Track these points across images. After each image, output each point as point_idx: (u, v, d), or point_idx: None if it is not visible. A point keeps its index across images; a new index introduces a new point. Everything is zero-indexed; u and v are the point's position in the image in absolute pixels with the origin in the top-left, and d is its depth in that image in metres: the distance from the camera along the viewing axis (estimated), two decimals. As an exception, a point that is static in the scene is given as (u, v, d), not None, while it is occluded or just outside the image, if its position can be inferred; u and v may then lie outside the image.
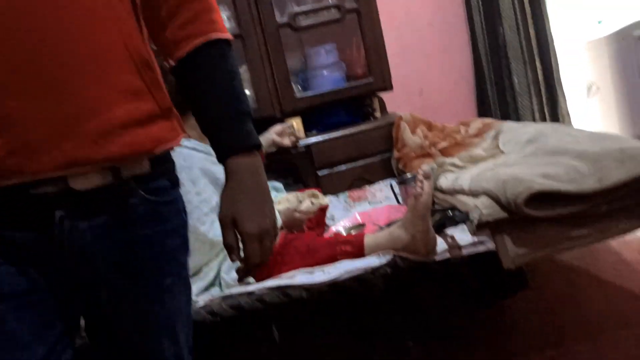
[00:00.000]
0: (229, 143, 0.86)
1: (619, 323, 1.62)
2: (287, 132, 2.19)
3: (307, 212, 1.66)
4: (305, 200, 1.70)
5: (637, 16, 2.97)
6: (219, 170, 1.63)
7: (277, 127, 2.17)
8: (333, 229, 1.87)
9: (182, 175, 1.51)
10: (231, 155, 0.86)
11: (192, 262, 1.53)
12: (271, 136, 2.15)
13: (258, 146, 0.87)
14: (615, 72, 2.96)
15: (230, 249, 0.87)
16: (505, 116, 2.93)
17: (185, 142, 1.61)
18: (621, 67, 2.94)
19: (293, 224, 1.66)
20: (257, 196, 0.86)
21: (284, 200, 1.74)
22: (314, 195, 1.74)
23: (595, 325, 1.64)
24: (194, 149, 1.62)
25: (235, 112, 0.85)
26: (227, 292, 1.42)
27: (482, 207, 1.39)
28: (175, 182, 0.88)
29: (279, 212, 1.64)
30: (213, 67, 0.85)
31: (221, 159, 0.88)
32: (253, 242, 0.85)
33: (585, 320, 1.68)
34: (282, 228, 1.65)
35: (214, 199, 1.58)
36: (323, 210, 1.96)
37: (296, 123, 2.29)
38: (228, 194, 0.87)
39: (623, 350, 1.50)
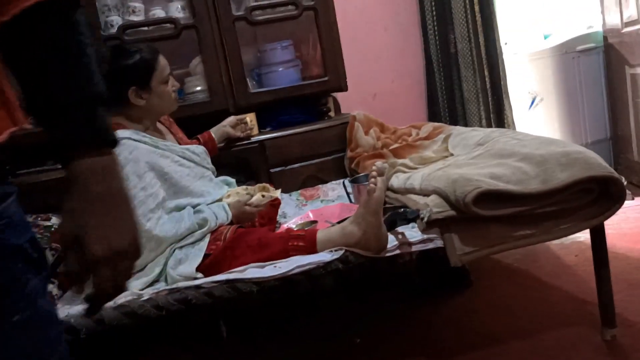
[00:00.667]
0: (71, 138, 0.65)
1: (556, 322, 1.69)
2: (240, 124, 2.16)
3: (257, 205, 1.64)
4: (256, 194, 1.67)
5: (580, 30, 3.13)
6: (167, 164, 1.59)
7: (231, 119, 2.15)
8: (285, 225, 1.86)
9: (128, 168, 1.48)
10: (73, 154, 0.65)
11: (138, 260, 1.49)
12: (226, 129, 2.12)
13: (112, 142, 0.68)
14: (557, 84, 3.10)
15: (74, 277, 0.67)
16: (454, 122, 3.00)
17: (131, 133, 1.55)
18: (563, 80, 3.08)
19: (243, 217, 1.64)
20: (109, 207, 0.66)
21: (233, 193, 1.71)
22: (265, 189, 1.71)
23: (533, 325, 1.69)
24: (140, 141, 1.56)
25: (82, 97, 0.65)
26: (173, 285, 1.37)
27: (432, 205, 1.42)
28: (4, 182, 0.66)
29: (229, 205, 1.61)
30: (53, 36, 0.64)
31: (60, 159, 0.66)
32: (103, 266, 0.65)
33: (524, 320, 1.74)
34: (231, 222, 1.62)
35: (161, 194, 1.54)
36: (275, 206, 1.94)
37: (250, 118, 2.27)
38: (69, 205, 0.65)
39: (559, 348, 1.56)
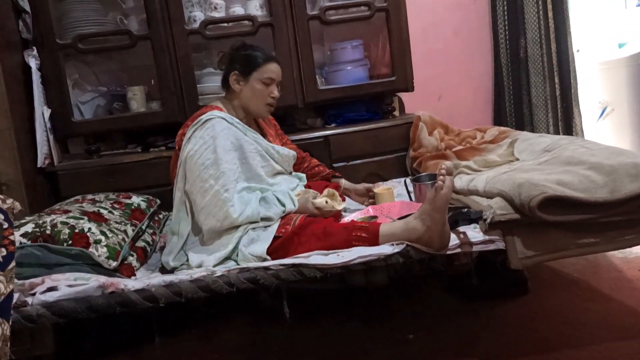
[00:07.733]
0: None
1: (613, 336, 1.66)
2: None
3: (319, 207, 1.72)
4: (322, 197, 1.76)
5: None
6: (249, 150, 1.74)
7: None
8: (346, 219, 1.92)
9: (217, 142, 1.64)
10: None
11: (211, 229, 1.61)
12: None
13: None
14: (630, 94, 3.00)
15: None
16: (520, 127, 2.98)
17: (224, 115, 1.72)
18: (637, 90, 2.98)
19: (305, 212, 1.73)
20: None
21: (303, 191, 1.81)
22: (334, 197, 1.79)
23: (588, 335, 1.68)
24: (231, 124, 1.73)
25: None
26: (244, 265, 1.47)
27: (495, 207, 1.44)
28: None
29: (296, 197, 1.73)
30: None
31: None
32: None
33: (580, 330, 1.72)
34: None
35: (238, 172, 1.68)
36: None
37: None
38: None
39: (614, 360, 1.54)
